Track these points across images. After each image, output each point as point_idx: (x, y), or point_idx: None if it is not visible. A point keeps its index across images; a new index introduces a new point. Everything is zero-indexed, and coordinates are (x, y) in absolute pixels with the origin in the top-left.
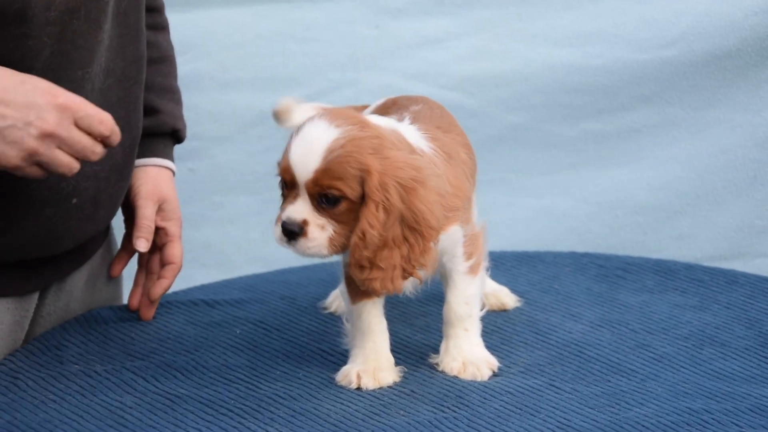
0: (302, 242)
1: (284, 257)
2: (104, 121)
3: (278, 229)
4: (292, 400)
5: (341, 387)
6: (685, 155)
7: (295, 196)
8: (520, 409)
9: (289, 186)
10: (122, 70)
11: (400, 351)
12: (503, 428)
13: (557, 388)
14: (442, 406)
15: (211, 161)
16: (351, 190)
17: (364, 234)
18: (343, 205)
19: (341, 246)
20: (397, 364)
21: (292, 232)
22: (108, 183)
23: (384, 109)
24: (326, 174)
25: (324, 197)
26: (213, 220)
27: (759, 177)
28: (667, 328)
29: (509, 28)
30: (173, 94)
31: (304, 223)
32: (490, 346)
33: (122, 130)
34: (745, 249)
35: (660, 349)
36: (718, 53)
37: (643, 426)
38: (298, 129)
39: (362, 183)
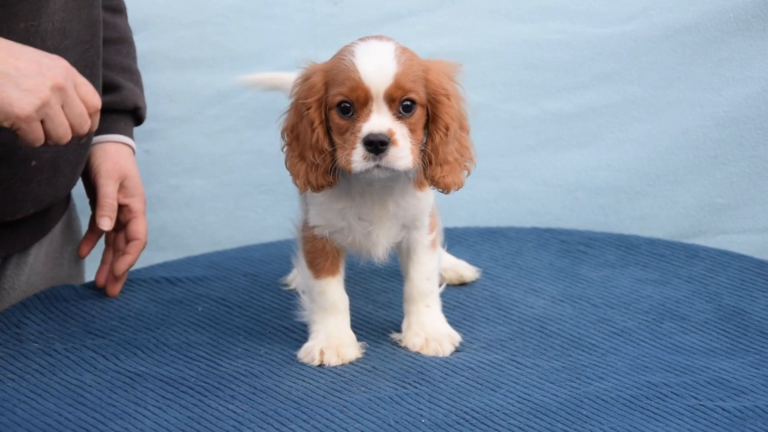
0: (393, 152)
1: (241, 240)
2: (96, 94)
3: (359, 150)
4: (253, 377)
5: (303, 364)
6: (645, 135)
7: (368, 114)
8: (481, 384)
9: (358, 106)
10: (78, 32)
11: (362, 327)
12: (464, 404)
13: (518, 363)
14: (404, 382)
15: (168, 142)
16: (420, 96)
17: (447, 128)
18: (417, 113)
19: (415, 158)
20: (358, 340)
21: (382, 143)
22: (66, 148)
23: None
24: (405, 77)
25: (402, 104)
26: (170, 203)
27: (719, 156)
28: (628, 302)
29: (469, 4)
30: (133, 75)
31: (390, 132)
32: (452, 322)
33: None
34: (706, 227)
35: (621, 324)
36: (677, 27)
37: (603, 400)
38: (348, 52)
39: (424, 86)
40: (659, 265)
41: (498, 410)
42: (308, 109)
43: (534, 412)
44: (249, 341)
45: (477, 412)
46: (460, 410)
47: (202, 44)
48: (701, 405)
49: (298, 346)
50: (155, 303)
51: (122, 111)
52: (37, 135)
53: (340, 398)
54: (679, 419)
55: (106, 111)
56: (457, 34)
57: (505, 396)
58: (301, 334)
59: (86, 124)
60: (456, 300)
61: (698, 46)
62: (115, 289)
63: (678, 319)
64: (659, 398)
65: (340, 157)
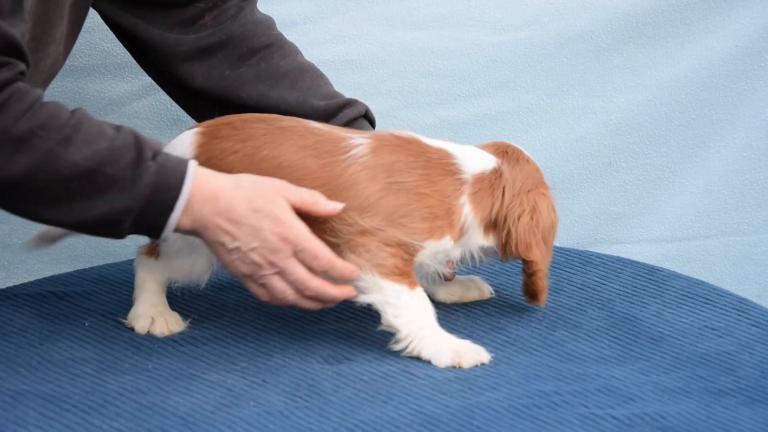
0: None
1: (135, 252)
2: (318, 257)
3: None
4: (139, 393)
5: (192, 379)
6: (540, 143)
7: None
8: (372, 396)
9: None
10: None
11: (253, 341)
12: (355, 416)
13: (411, 374)
14: (294, 395)
15: None
16: None
17: None
18: None
19: None
20: (252, 353)
21: None
22: None
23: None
24: None
25: None
26: None
27: (614, 164)
28: (521, 310)
29: (364, 11)
30: None
31: None
32: (346, 334)
33: None
34: (601, 236)
35: (514, 332)
36: (570, 35)
37: (494, 410)
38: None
39: None
40: (553, 272)
41: (389, 422)
42: None
43: (425, 424)
44: (136, 356)
45: (367, 425)
46: (351, 423)
47: (92, 52)
48: (591, 413)
49: (188, 361)
50: (41, 318)
51: None
52: (261, 294)
53: (229, 413)
54: (569, 427)
55: None
56: (353, 42)
57: (396, 408)
58: (190, 347)
59: (306, 287)
60: (351, 311)
61: (590, 53)
62: None
63: (570, 326)
64: (550, 407)
65: None
